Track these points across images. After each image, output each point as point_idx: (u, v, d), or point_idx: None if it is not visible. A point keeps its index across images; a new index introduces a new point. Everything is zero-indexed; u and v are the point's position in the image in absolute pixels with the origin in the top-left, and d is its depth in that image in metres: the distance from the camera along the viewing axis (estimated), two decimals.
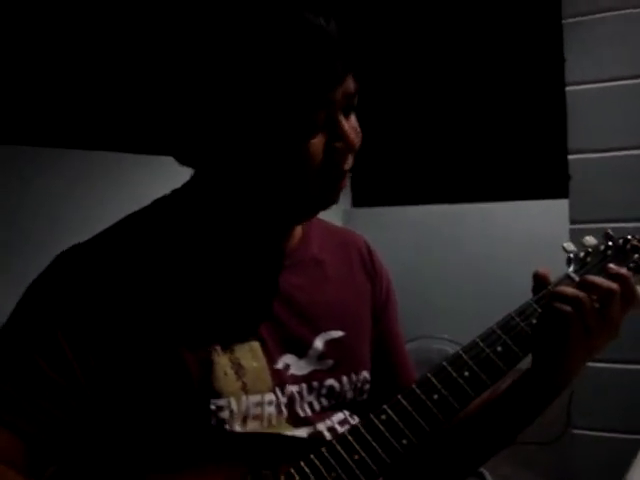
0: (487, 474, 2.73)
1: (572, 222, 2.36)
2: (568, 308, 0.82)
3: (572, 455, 2.53)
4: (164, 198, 0.90)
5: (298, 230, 0.94)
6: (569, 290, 0.83)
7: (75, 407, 0.75)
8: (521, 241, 4.66)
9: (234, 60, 0.75)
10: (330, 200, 0.84)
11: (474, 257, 5.03)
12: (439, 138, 5.26)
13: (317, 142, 0.78)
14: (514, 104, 4.55)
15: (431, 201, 5.31)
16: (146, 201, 0.91)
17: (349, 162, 0.82)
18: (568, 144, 2.40)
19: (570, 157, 2.40)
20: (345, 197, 6.38)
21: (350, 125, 0.81)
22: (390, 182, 5.65)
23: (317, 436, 0.85)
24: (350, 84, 0.79)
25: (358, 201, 6.14)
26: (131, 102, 2.67)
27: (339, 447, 0.77)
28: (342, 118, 0.80)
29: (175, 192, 0.90)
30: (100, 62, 2.98)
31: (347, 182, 0.84)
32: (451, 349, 3.53)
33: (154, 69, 0.85)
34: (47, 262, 0.82)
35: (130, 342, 0.78)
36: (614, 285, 0.83)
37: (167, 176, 0.93)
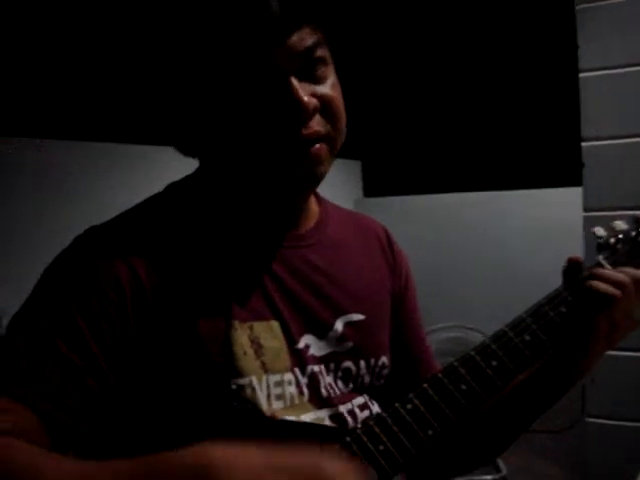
0: (501, 462, 2.74)
1: (586, 210, 2.34)
2: (601, 304, 0.82)
3: (586, 443, 2.52)
4: (177, 183, 0.90)
5: (315, 212, 0.94)
6: (603, 287, 0.83)
7: (95, 388, 0.75)
8: (535, 229, 4.63)
9: (180, 31, 0.77)
10: (306, 170, 0.81)
11: (488, 246, 5.01)
12: (452, 126, 5.22)
13: (267, 109, 0.77)
14: (527, 91, 4.52)
15: (443, 190, 5.29)
16: (151, 191, 0.92)
17: (312, 126, 0.78)
18: (582, 131, 2.38)
19: (584, 144, 2.38)
20: (356, 186, 6.37)
21: (305, 88, 0.78)
22: (402, 171, 5.62)
23: (338, 418, 0.85)
24: (296, 44, 0.75)
25: (370, 191, 6.13)
26: (124, 93, 2.69)
27: (365, 437, 0.77)
28: (293, 81, 0.76)
29: (187, 177, 0.91)
30: (89, 55, 2.99)
31: (320, 151, 0.80)
32: (465, 335, 3.53)
33: (134, 61, 0.87)
34: (47, 254, 0.83)
35: (149, 322, 0.78)
36: None
37: (167, 167, 0.94)
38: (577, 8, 2.38)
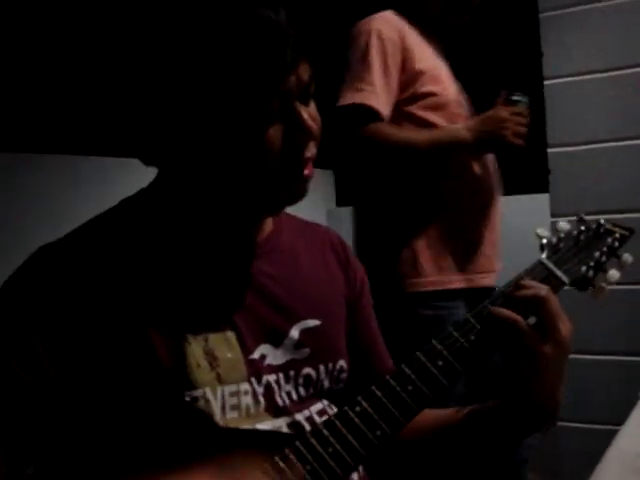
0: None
1: (553, 215, 2.38)
2: (506, 332, 0.81)
3: (558, 446, 2.55)
4: (131, 197, 0.90)
5: (269, 222, 0.94)
6: (504, 313, 0.82)
7: (48, 406, 0.75)
8: (503, 236, 4.68)
9: (186, 54, 0.75)
10: (295, 190, 0.84)
11: None
12: None
13: (274, 132, 0.78)
14: (492, 99, 4.57)
15: None
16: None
17: (310, 150, 0.82)
18: (547, 138, 2.42)
19: (550, 151, 2.42)
20: (329, 197, 6.40)
21: (308, 113, 0.81)
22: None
23: (296, 426, 0.85)
24: (304, 72, 0.79)
25: (342, 200, 6.16)
26: (98, 105, 2.67)
27: (314, 440, 0.77)
28: (299, 106, 0.80)
29: (142, 191, 0.91)
30: (60, 66, 2.97)
31: (311, 172, 0.84)
32: None
33: (111, 70, 0.86)
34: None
35: (102, 337, 0.78)
36: (544, 288, 0.83)
37: (147, 178, 0.93)
38: (541, 16, 2.42)
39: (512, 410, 0.86)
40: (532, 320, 0.83)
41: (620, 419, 1.33)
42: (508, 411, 0.86)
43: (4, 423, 0.73)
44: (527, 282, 0.85)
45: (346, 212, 5.69)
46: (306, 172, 0.83)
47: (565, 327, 0.82)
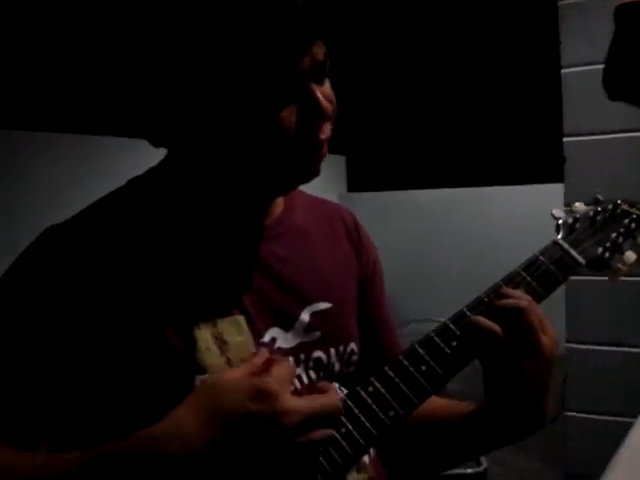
0: (482, 457, 2.75)
1: (567, 205, 2.36)
2: (485, 342, 0.80)
3: (566, 437, 2.55)
4: (139, 177, 0.89)
5: (280, 201, 0.93)
6: (482, 321, 0.81)
7: (59, 386, 0.75)
8: (517, 225, 4.66)
9: (200, 34, 0.74)
10: (310, 170, 0.83)
11: (471, 241, 5.04)
12: (436, 123, 5.24)
13: (290, 112, 0.77)
14: (509, 87, 4.54)
15: (427, 186, 5.31)
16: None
17: (325, 130, 0.81)
18: (563, 127, 2.40)
19: (565, 140, 2.40)
20: (340, 182, 6.38)
21: (323, 93, 0.79)
22: (386, 167, 5.63)
23: None
24: (319, 52, 0.78)
25: (353, 186, 6.14)
26: (106, 85, 2.66)
27: None
28: (314, 86, 0.78)
29: (151, 170, 0.90)
30: (69, 47, 2.95)
31: (326, 151, 0.83)
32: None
33: (121, 50, 0.85)
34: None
35: (111, 319, 0.78)
36: (523, 299, 0.81)
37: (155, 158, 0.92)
38: (559, 4, 2.39)
39: (495, 416, 0.85)
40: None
41: (626, 411, 1.32)
42: (492, 417, 0.86)
43: (12, 400, 0.73)
44: (508, 291, 0.82)
45: (357, 197, 5.69)
46: (322, 151, 0.82)
47: (547, 338, 0.80)
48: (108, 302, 0.78)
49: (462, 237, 5.09)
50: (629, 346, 2.31)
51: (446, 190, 5.24)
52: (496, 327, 0.80)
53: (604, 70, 1.58)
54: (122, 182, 0.89)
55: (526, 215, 4.57)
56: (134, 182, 0.88)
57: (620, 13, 1.53)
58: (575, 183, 2.37)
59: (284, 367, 0.71)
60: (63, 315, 0.76)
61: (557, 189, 2.56)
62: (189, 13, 0.75)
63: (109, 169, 3.74)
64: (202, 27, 0.74)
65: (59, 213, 0.87)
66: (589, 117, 2.35)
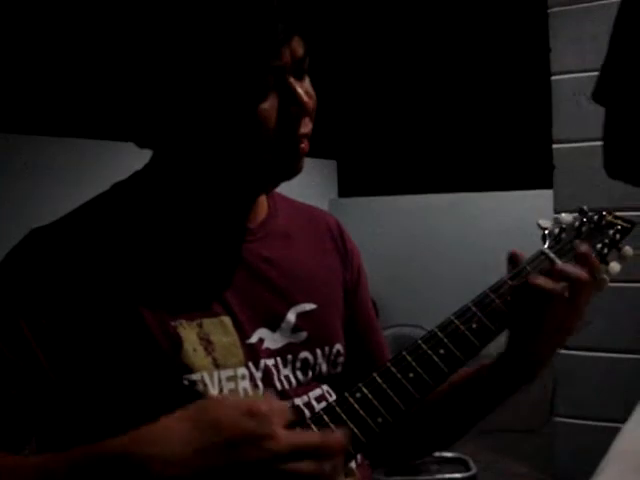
0: (470, 461, 2.76)
1: (556, 211, 2.37)
2: (541, 299, 0.82)
3: (555, 442, 2.55)
4: (123, 181, 0.90)
5: (264, 205, 0.94)
6: (541, 281, 0.83)
7: (38, 389, 0.75)
8: (506, 232, 4.68)
9: (177, 31, 0.76)
10: (291, 166, 0.83)
11: (460, 247, 5.06)
12: (425, 129, 5.26)
13: (269, 107, 0.78)
14: (499, 93, 4.57)
15: (418, 191, 5.32)
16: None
17: (306, 126, 0.82)
18: (553, 134, 2.41)
19: (555, 147, 2.41)
20: (331, 187, 6.38)
21: (303, 88, 0.80)
22: (376, 172, 5.64)
23: (295, 410, 0.85)
24: (298, 46, 0.79)
25: (344, 191, 6.15)
26: (90, 88, 2.67)
27: (314, 427, 0.77)
28: (293, 81, 0.79)
29: (135, 174, 0.90)
30: (53, 49, 2.95)
31: (307, 148, 0.83)
32: (413, 334, 3.56)
33: (102, 51, 0.87)
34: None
35: (96, 320, 0.78)
36: (584, 274, 0.84)
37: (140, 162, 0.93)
38: (550, 11, 2.41)
39: (506, 369, 0.88)
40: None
41: (616, 416, 1.33)
42: (501, 370, 0.89)
43: None
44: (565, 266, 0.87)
45: (349, 202, 5.70)
46: (301, 147, 0.82)
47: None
48: (93, 303, 0.78)
49: (454, 242, 5.11)
50: (618, 352, 2.32)
51: (438, 195, 5.25)
52: (557, 286, 0.83)
53: (603, 151, 1.64)
54: (106, 185, 0.90)
55: (515, 221, 4.59)
56: (118, 185, 0.89)
57: (609, 93, 1.57)
58: (564, 190, 2.39)
59: (282, 404, 0.70)
60: (48, 316, 0.77)
61: (546, 195, 2.58)
62: (165, 11, 0.76)
63: (103, 172, 3.74)
64: (181, 25, 0.75)
65: (52, 215, 0.87)
66: (578, 124, 2.36)
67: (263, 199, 0.93)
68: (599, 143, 2.35)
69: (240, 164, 0.81)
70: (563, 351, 2.36)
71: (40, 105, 3.24)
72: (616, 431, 1.17)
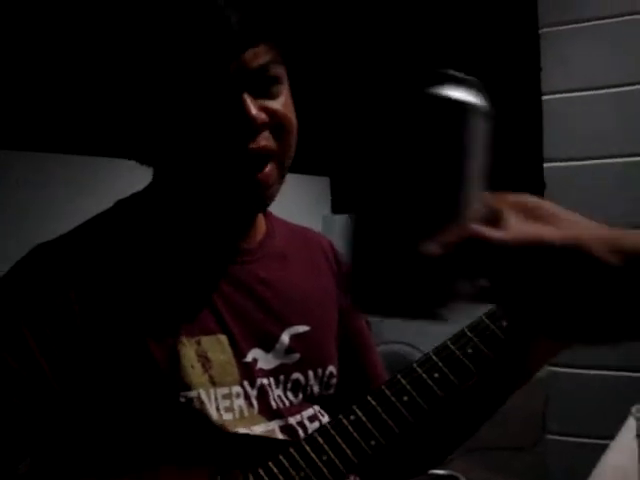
0: (462, 478, 2.75)
1: None
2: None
3: (547, 460, 2.55)
4: (125, 199, 0.91)
5: (262, 225, 0.95)
6: None
7: (42, 402, 0.76)
8: None
9: (134, 42, 0.79)
10: (255, 192, 0.81)
11: None
12: None
13: (219, 121, 0.78)
14: (491, 112, 4.61)
15: None
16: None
17: (259, 142, 0.79)
18: (544, 152, 2.43)
19: (546, 165, 2.43)
20: (325, 203, 6.40)
21: (259, 104, 0.79)
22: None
23: (289, 429, 0.86)
24: (251, 61, 0.77)
25: (338, 207, 6.16)
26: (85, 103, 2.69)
27: (308, 447, 0.78)
28: (245, 95, 0.77)
29: (137, 192, 0.92)
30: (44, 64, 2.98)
31: (268, 163, 0.80)
32: (401, 351, 3.56)
33: (89, 70, 0.91)
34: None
35: (97, 338, 0.78)
36: None
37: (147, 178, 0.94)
38: (541, 32, 2.44)
39: (496, 376, 0.89)
40: None
41: (608, 434, 1.34)
42: (492, 377, 0.89)
43: None
44: None
45: (342, 219, 5.71)
46: (260, 175, 0.80)
47: None
48: (95, 319, 0.78)
49: None
50: (610, 369, 2.33)
51: None
52: None
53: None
54: (112, 201, 0.91)
55: None
56: (121, 203, 0.90)
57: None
58: None
59: None
60: (52, 327, 0.77)
61: None
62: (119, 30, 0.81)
63: (99, 189, 3.75)
64: (139, 37, 0.78)
65: (50, 231, 0.88)
66: (569, 143, 2.38)
67: (260, 220, 0.94)
68: (590, 162, 2.38)
69: (203, 182, 0.81)
70: (554, 368, 2.36)
71: (38, 122, 3.25)
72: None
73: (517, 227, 0.48)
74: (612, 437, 1.28)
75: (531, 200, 0.52)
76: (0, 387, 0.74)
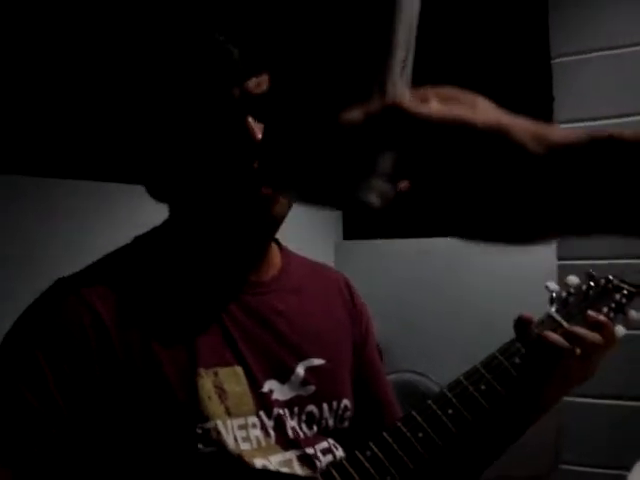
0: None
1: (559, 259, 2.38)
2: (553, 356, 0.84)
3: None
4: (144, 235, 0.93)
5: (277, 260, 0.96)
6: (555, 338, 0.85)
7: (57, 434, 0.77)
8: (509, 276, 4.67)
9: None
10: (260, 208, 0.84)
11: (466, 292, 5.03)
12: None
13: (223, 144, 0.82)
14: None
15: (424, 234, 5.32)
16: (133, 230, 0.94)
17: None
18: None
19: None
20: (336, 229, 6.40)
21: (257, 127, 0.82)
22: (382, 214, 5.66)
23: (306, 459, 0.86)
24: (254, 87, 0.82)
25: (349, 233, 6.15)
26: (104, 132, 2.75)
27: None
28: (249, 119, 0.82)
29: (154, 228, 0.94)
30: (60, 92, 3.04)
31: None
32: (433, 386, 3.53)
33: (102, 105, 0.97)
34: (29, 290, 0.85)
35: (115, 370, 0.79)
36: (597, 337, 0.85)
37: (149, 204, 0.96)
38: (553, 62, 2.46)
39: (509, 415, 0.90)
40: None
41: (624, 464, 1.33)
42: (505, 415, 0.90)
43: (16, 449, 0.75)
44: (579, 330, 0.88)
45: (354, 245, 5.70)
46: (265, 190, 0.82)
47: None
48: (112, 353, 0.80)
49: (462, 287, 5.08)
50: (624, 399, 2.31)
51: (446, 239, 5.23)
52: (566, 344, 0.85)
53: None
54: (120, 229, 0.94)
55: (523, 267, 4.56)
56: (139, 239, 0.92)
57: None
58: (567, 241, 2.39)
59: None
60: (70, 362, 0.78)
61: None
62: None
63: (110, 216, 3.77)
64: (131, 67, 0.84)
65: (57, 260, 0.90)
66: None
67: (276, 255, 0.96)
68: None
69: (210, 208, 0.85)
70: (569, 398, 2.34)
71: (49, 147, 3.30)
72: (623, 478, 1.17)
73: (440, 107, 0.45)
74: (627, 467, 1.27)
75: (454, 90, 0.49)
76: (16, 420, 0.76)
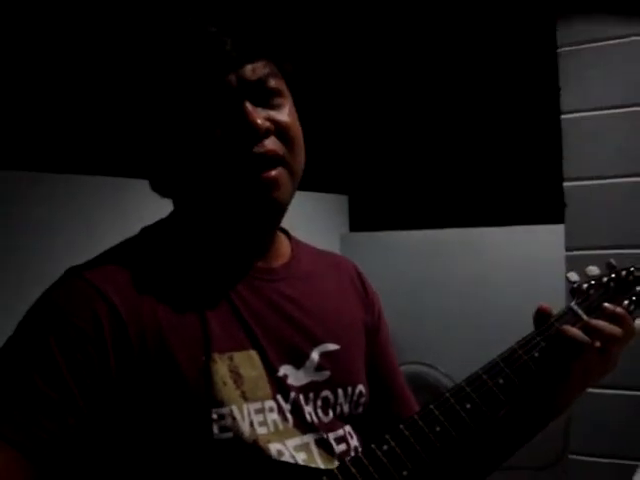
0: None
1: (568, 249, 2.38)
2: (572, 350, 0.83)
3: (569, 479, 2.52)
4: (151, 226, 0.94)
5: (287, 249, 0.97)
6: (574, 332, 0.84)
7: (70, 421, 0.77)
8: (517, 267, 4.65)
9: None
10: (261, 193, 0.85)
11: (472, 282, 5.03)
12: (438, 163, 5.29)
13: (221, 129, 0.83)
14: (510, 131, 4.60)
15: (430, 226, 5.32)
16: (136, 224, 0.95)
17: (264, 145, 0.84)
18: (564, 171, 2.43)
19: (566, 184, 2.42)
20: (343, 221, 6.39)
21: (259, 113, 0.84)
22: (389, 206, 5.66)
23: (324, 443, 0.86)
24: (251, 73, 0.84)
25: (356, 225, 6.15)
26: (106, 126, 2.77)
27: (341, 477, 0.78)
28: (247, 104, 0.83)
29: (161, 220, 0.95)
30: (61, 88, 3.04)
31: (280, 174, 0.85)
32: (442, 378, 3.53)
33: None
34: (33, 283, 0.86)
35: (128, 356, 0.80)
36: (617, 330, 0.85)
37: (153, 199, 0.97)
38: (559, 51, 2.45)
39: (524, 413, 0.90)
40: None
41: (633, 454, 1.32)
42: (520, 414, 0.90)
43: (25, 435, 0.74)
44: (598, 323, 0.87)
45: (360, 237, 5.69)
46: (265, 174, 0.84)
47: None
48: (125, 340, 0.80)
49: (466, 277, 5.08)
50: (635, 389, 2.30)
51: (453, 230, 5.24)
52: (586, 338, 0.84)
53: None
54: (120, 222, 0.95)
55: (531, 258, 4.54)
56: (146, 230, 0.93)
57: None
58: (575, 228, 2.39)
59: None
60: (82, 351, 0.78)
61: (557, 230, 2.57)
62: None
63: (113, 209, 3.77)
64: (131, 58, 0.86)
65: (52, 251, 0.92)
66: (589, 162, 2.38)
67: (285, 244, 0.96)
68: (610, 181, 2.37)
69: (213, 196, 0.85)
70: None
71: (54, 144, 3.30)
72: (632, 469, 1.17)
73: None
74: (636, 458, 1.27)
75: None
76: (30, 407, 0.76)
